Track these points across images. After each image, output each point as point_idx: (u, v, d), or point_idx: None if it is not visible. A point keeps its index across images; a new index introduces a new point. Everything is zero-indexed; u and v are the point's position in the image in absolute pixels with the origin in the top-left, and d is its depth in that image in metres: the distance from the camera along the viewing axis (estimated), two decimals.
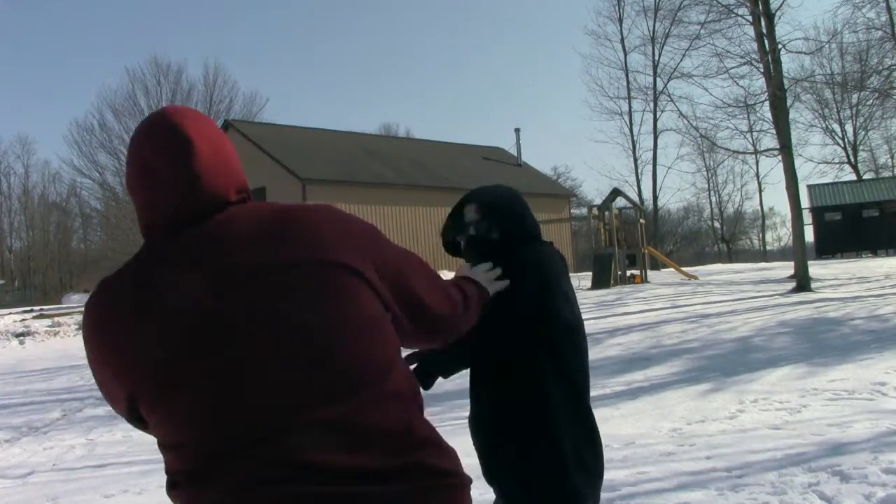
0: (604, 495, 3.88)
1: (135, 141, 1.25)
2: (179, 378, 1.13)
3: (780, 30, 16.71)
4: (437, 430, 1.28)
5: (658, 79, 35.17)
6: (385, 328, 1.26)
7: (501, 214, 2.09)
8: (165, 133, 1.22)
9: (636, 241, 21.27)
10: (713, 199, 53.33)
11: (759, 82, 17.38)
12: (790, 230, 16.85)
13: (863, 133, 43.52)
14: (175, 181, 1.21)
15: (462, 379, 2.10)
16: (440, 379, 1.92)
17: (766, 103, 16.35)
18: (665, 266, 24.44)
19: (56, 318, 17.38)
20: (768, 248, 53.14)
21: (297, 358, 1.14)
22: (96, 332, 1.21)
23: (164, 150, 1.21)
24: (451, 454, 1.25)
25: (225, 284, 1.16)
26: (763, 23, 15.56)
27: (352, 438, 1.13)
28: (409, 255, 1.40)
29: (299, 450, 1.10)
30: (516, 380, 1.93)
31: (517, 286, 1.87)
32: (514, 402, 1.93)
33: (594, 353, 8.76)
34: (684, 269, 23.57)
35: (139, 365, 1.15)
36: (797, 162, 17.94)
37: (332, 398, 1.14)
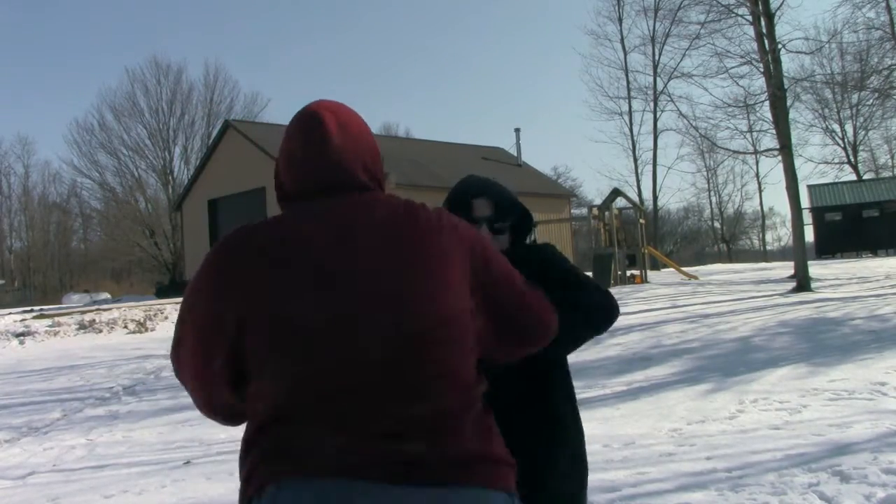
0: (604, 495, 3.89)
1: (288, 127, 1.48)
2: (304, 323, 1.27)
3: (780, 30, 16.68)
4: None
5: (658, 79, 35.13)
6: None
7: (512, 210, 2.09)
8: (306, 121, 1.44)
9: (636, 241, 21.26)
10: (713, 199, 53.34)
11: (759, 82, 17.39)
12: (790, 230, 16.87)
13: (863, 133, 43.52)
14: (306, 160, 1.42)
15: None
16: None
17: (766, 103, 16.34)
18: (665, 266, 24.44)
19: (56, 318, 17.38)
20: (768, 248, 53.18)
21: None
22: (224, 268, 1.34)
23: (302, 135, 1.43)
24: None
25: (348, 255, 1.32)
26: (763, 23, 15.56)
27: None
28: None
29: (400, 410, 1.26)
30: (535, 379, 1.90)
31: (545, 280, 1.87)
32: (528, 401, 1.90)
33: (594, 353, 8.78)
34: (684, 269, 23.56)
35: (267, 306, 1.29)
36: (797, 162, 17.98)
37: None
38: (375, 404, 1.25)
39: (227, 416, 1.45)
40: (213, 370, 1.35)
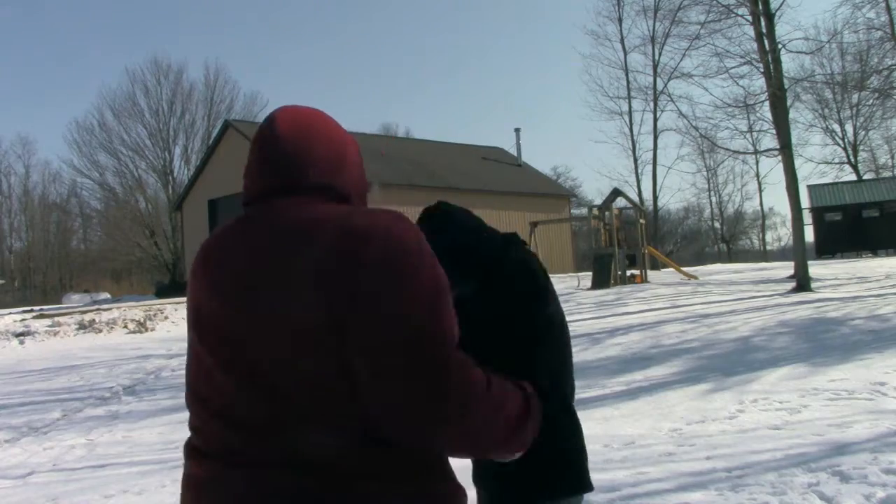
0: (604, 495, 3.89)
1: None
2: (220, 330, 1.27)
3: (780, 30, 16.69)
4: None
5: (658, 79, 35.12)
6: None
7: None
8: (261, 125, 1.40)
9: (636, 241, 21.26)
10: (713, 199, 53.36)
11: (759, 82, 17.39)
12: (790, 230, 16.85)
13: (863, 133, 43.47)
14: (254, 165, 1.38)
15: None
16: None
17: (766, 103, 16.35)
18: (665, 266, 24.43)
19: (56, 318, 17.38)
20: (768, 248, 53.13)
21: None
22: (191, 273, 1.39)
23: (254, 139, 1.40)
24: None
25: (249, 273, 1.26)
26: (763, 23, 15.56)
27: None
28: None
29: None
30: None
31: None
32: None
33: (594, 353, 8.79)
34: (684, 269, 23.55)
35: (196, 310, 1.32)
36: (797, 162, 17.97)
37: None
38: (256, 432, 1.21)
39: None
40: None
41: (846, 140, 43.51)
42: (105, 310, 19.00)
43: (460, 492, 1.28)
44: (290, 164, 1.33)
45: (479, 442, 1.24)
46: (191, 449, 1.30)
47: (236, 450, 1.21)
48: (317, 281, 1.16)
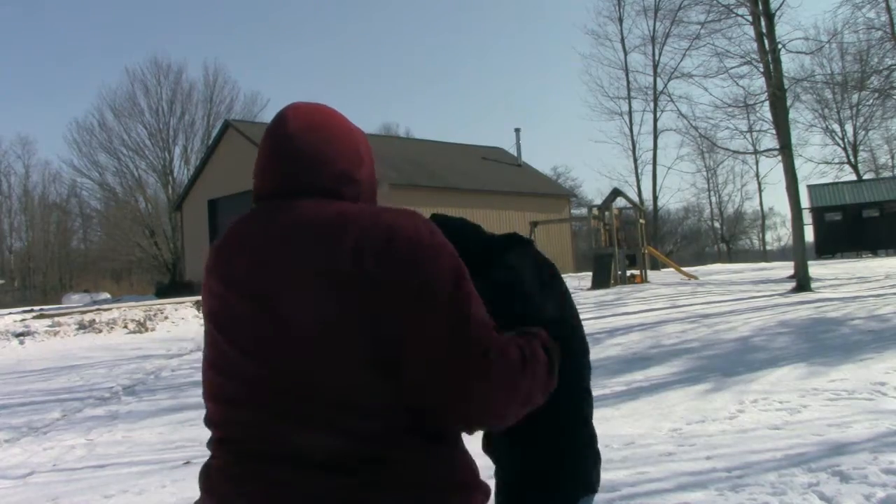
0: (604, 495, 3.89)
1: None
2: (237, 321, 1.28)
3: (780, 30, 16.69)
4: None
5: (658, 79, 35.12)
6: None
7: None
8: (273, 122, 1.39)
9: (636, 241, 21.26)
10: (713, 199, 53.35)
11: (759, 82, 17.38)
12: (790, 230, 16.84)
13: (863, 133, 43.47)
14: (265, 161, 1.37)
15: None
16: None
17: (766, 103, 16.33)
18: (665, 266, 24.43)
19: (56, 318, 17.37)
20: (768, 248, 53.13)
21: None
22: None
23: (266, 136, 1.39)
24: None
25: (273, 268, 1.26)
26: (763, 23, 15.55)
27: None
28: None
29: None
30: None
31: None
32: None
33: (594, 354, 8.75)
34: (684, 269, 23.55)
35: (220, 307, 1.31)
36: (797, 162, 17.95)
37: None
38: (276, 428, 1.22)
39: None
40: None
41: (846, 140, 43.54)
42: (105, 310, 18.99)
43: (485, 486, 1.31)
44: (307, 163, 1.33)
45: (520, 411, 1.29)
46: (219, 442, 1.30)
47: (269, 443, 1.21)
48: (344, 279, 1.19)
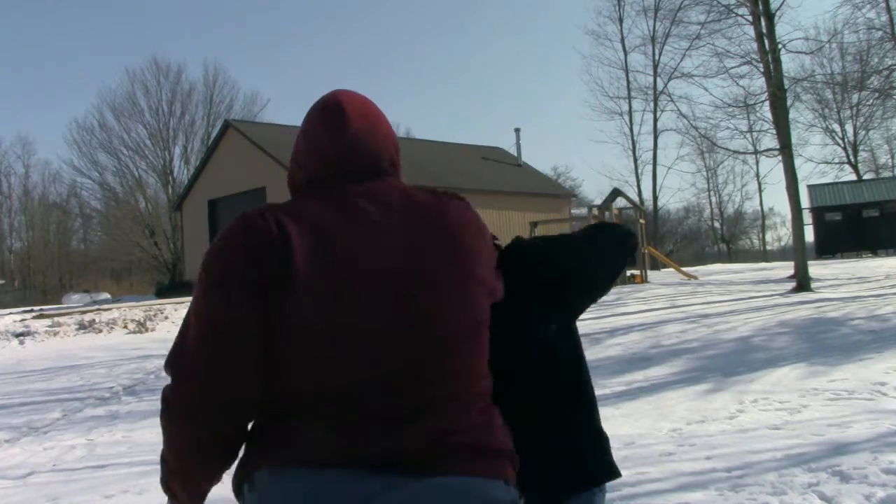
0: None
1: (307, 117, 1.49)
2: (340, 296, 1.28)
3: (780, 30, 16.69)
4: None
5: (658, 79, 35.16)
6: None
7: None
8: (329, 108, 1.45)
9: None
10: (713, 199, 53.34)
11: (759, 82, 17.38)
12: (790, 230, 16.85)
13: (863, 133, 43.47)
14: (330, 145, 1.42)
15: None
16: None
17: (766, 103, 16.33)
18: (665, 266, 24.44)
19: (56, 318, 17.37)
20: (768, 248, 53.12)
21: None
22: (252, 236, 1.29)
23: (324, 122, 1.44)
24: None
25: (374, 239, 1.31)
26: (763, 23, 15.55)
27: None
28: None
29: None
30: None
31: None
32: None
33: (594, 354, 8.78)
34: (684, 269, 23.56)
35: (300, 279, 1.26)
36: (797, 162, 17.96)
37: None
38: (387, 400, 1.25)
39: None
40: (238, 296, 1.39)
41: (846, 140, 43.55)
42: (105, 310, 18.99)
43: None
44: (369, 147, 1.43)
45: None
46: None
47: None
48: (460, 250, 1.35)
